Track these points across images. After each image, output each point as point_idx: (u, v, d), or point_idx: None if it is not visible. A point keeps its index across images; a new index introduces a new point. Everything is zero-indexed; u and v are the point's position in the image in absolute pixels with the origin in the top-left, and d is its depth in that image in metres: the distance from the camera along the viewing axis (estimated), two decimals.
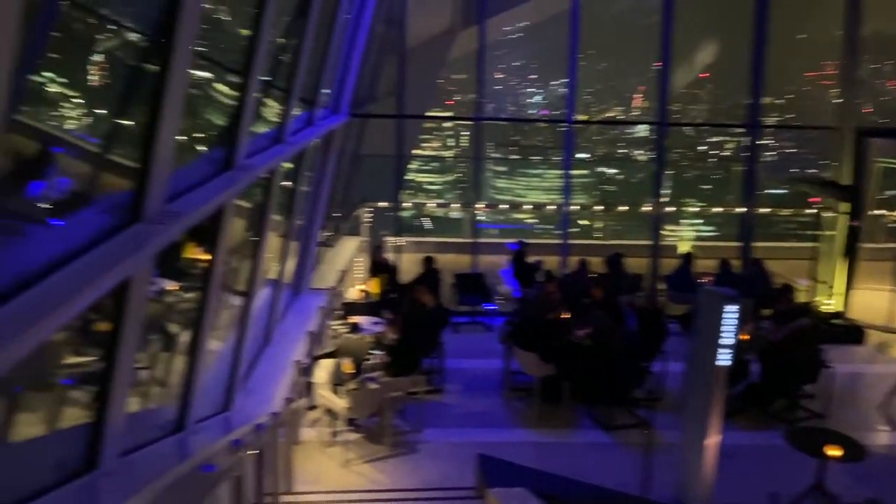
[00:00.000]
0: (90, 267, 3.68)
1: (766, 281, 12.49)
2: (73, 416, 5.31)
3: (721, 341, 6.39)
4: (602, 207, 32.63)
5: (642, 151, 42.04)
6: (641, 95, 46.65)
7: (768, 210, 23.58)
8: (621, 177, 42.34)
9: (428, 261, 12.35)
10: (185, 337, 8.26)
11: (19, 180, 5.75)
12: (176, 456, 5.40)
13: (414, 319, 9.14)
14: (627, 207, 32.39)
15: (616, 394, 8.93)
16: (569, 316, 9.60)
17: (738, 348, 6.50)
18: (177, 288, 8.65)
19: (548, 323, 9.22)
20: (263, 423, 5.72)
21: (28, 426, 4.46)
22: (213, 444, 5.84)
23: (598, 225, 30.97)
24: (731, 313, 6.36)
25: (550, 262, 13.61)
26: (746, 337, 9.05)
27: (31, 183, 6.27)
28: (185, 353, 6.50)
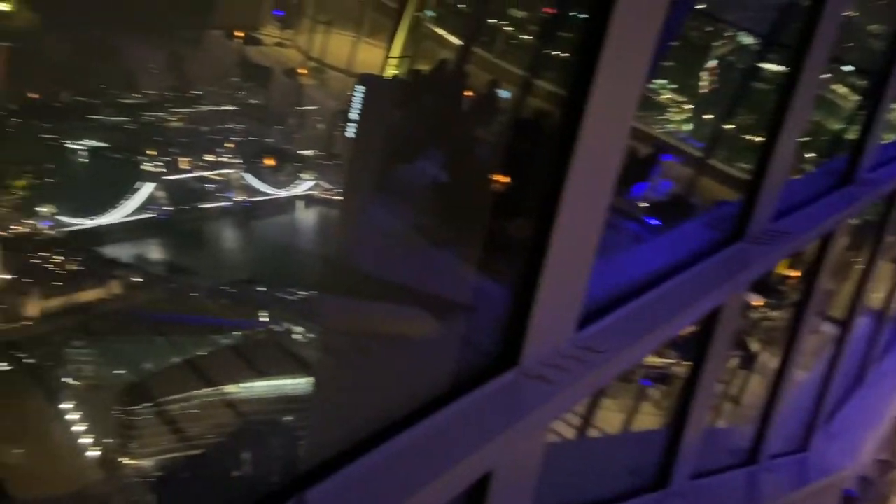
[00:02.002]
0: (691, 284, 3.54)
1: None
2: (648, 423, 5.42)
3: None
4: None
5: None
6: None
7: None
8: None
9: None
10: (764, 356, 7.70)
11: (627, 180, 6.18)
12: (746, 495, 4.98)
13: None
14: None
15: None
16: None
17: None
18: (762, 304, 8.14)
19: None
20: (853, 491, 4.80)
21: (610, 426, 4.70)
22: (789, 494, 5.20)
23: None
24: None
25: None
26: None
27: (637, 184, 6.68)
28: (764, 374, 6.00)
